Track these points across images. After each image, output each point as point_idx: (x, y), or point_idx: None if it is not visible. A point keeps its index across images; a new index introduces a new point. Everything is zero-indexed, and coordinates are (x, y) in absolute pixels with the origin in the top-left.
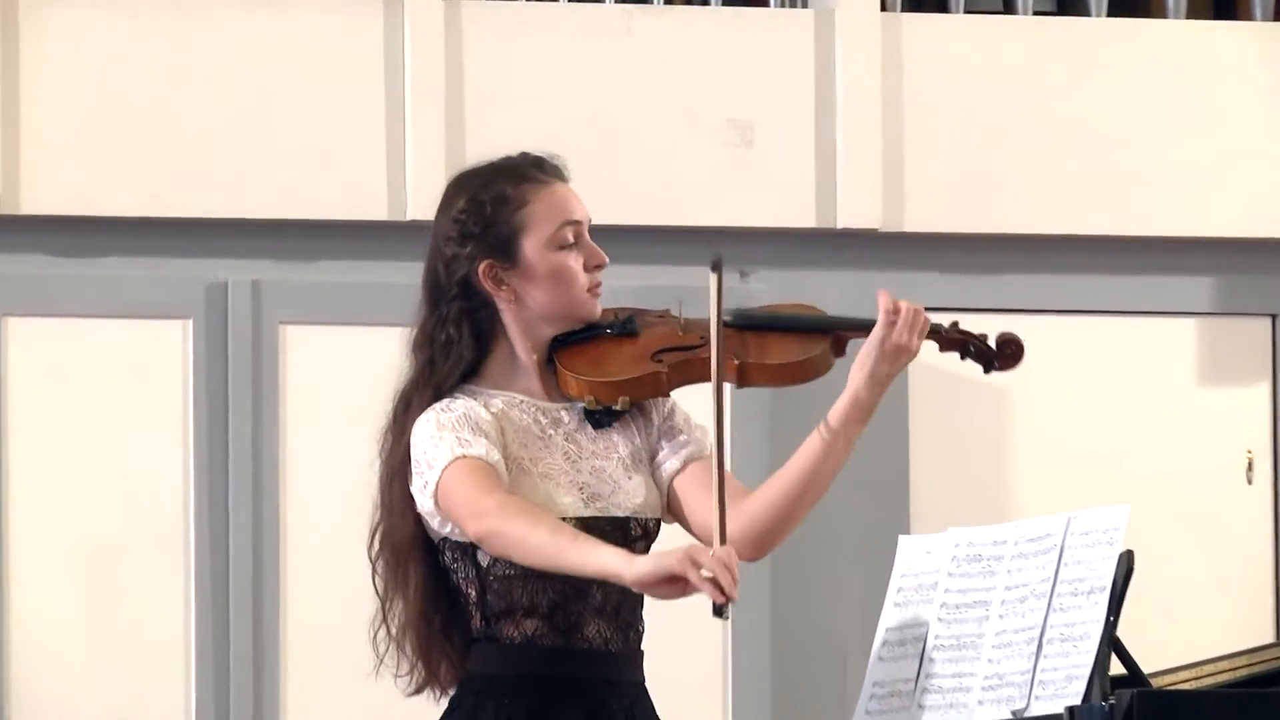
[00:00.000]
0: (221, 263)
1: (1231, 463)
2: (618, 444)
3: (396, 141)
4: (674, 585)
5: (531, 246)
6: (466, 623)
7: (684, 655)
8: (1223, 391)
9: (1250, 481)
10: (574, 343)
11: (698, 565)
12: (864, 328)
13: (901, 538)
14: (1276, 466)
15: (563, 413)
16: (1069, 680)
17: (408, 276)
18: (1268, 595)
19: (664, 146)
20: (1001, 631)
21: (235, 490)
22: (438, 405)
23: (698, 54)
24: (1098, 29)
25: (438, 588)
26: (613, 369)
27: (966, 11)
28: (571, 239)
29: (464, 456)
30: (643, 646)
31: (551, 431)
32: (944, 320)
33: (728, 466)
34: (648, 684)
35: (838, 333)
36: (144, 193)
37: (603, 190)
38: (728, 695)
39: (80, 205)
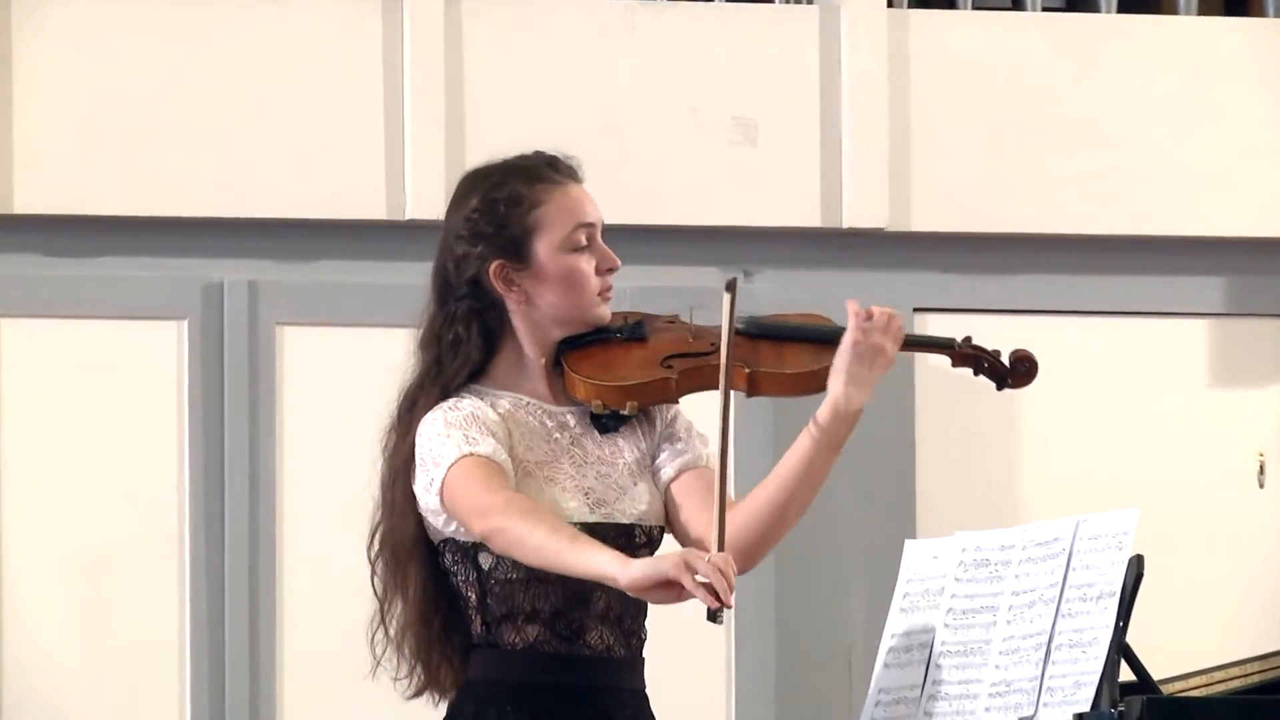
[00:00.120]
0: (217, 263)
1: (1243, 466)
2: (623, 449)
3: (395, 140)
4: (668, 590)
5: (544, 248)
6: (467, 626)
7: (686, 661)
8: (1234, 393)
9: (1262, 485)
10: (582, 346)
11: (692, 570)
12: None
13: (908, 542)
14: None
15: (569, 416)
16: (1078, 687)
17: (407, 277)
18: None
19: (667, 145)
20: (1009, 637)
21: (231, 494)
22: (445, 404)
23: (701, 51)
24: (1108, 25)
25: (438, 590)
26: (621, 373)
27: (974, 8)
28: (584, 241)
29: (471, 454)
30: (644, 654)
31: (558, 435)
32: (947, 322)
33: (731, 476)
34: (650, 690)
35: None
36: (139, 192)
37: (605, 189)
38: (731, 702)
39: (74, 204)
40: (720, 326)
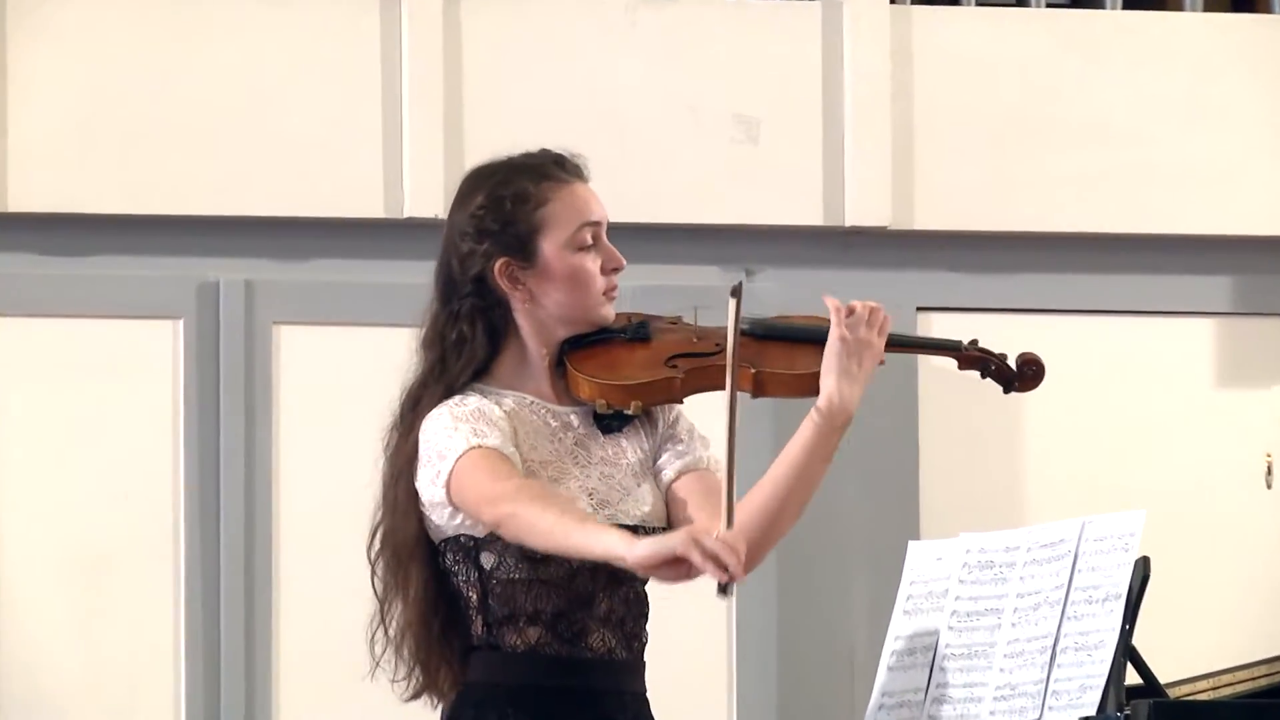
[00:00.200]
0: (213, 261)
1: (1250, 466)
2: (626, 450)
3: (393, 137)
4: (676, 567)
5: (550, 246)
6: (467, 628)
7: (687, 664)
8: (1241, 393)
9: (1269, 485)
10: (585, 346)
11: (700, 546)
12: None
13: (911, 543)
14: None
15: (573, 417)
16: (1083, 690)
17: (405, 276)
18: None
19: (668, 143)
20: (1014, 640)
21: (227, 495)
22: (451, 400)
23: (702, 48)
24: (1113, 22)
25: (439, 591)
26: (626, 372)
27: (978, 4)
28: (590, 240)
29: (479, 446)
30: (645, 657)
31: (562, 435)
32: (951, 322)
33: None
34: (651, 693)
35: None
36: (134, 190)
37: (605, 188)
38: (732, 706)
39: (68, 203)
40: (724, 327)
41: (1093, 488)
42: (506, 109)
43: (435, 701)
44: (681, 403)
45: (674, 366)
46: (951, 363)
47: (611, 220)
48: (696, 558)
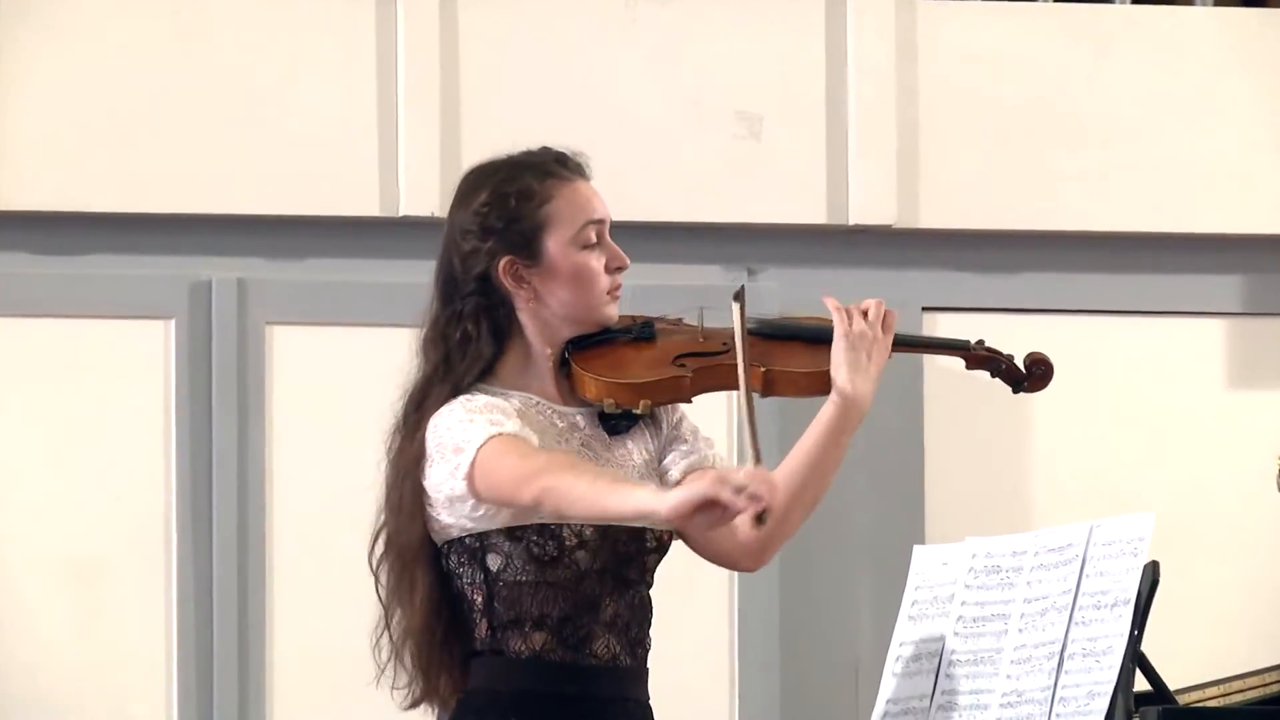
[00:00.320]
0: (205, 260)
1: (1261, 469)
2: (632, 451)
3: (389, 134)
4: (709, 512)
5: (555, 244)
6: (469, 633)
7: (690, 671)
8: (1252, 394)
9: None
10: (590, 346)
11: (729, 482)
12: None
13: (916, 548)
14: None
15: (579, 417)
16: (1091, 697)
17: (401, 275)
18: None
19: (669, 140)
20: (1021, 646)
21: (219, 498)
22: (459, 398)
23: (704, 43)
24: (1123, 16)
25: (442, 595)
26: (634, 371)
27: None
28: (594, 239)
29: (500, 434)
30: (649, 664)
31: (569, 436)
32: (957, 322)
33: None
34: (653, 700)
35: None
36: (125, 188)
37: (605, 186)
38: (734, 713)
39: (59, 201)
40: (729, 328)
41: (1100, 491)
42: (504, 106)
43: (435, 709)
44: (690, 402)
45: (682, 366)
46: (958, 364)
47: (611, 219)
48: (727, 494)
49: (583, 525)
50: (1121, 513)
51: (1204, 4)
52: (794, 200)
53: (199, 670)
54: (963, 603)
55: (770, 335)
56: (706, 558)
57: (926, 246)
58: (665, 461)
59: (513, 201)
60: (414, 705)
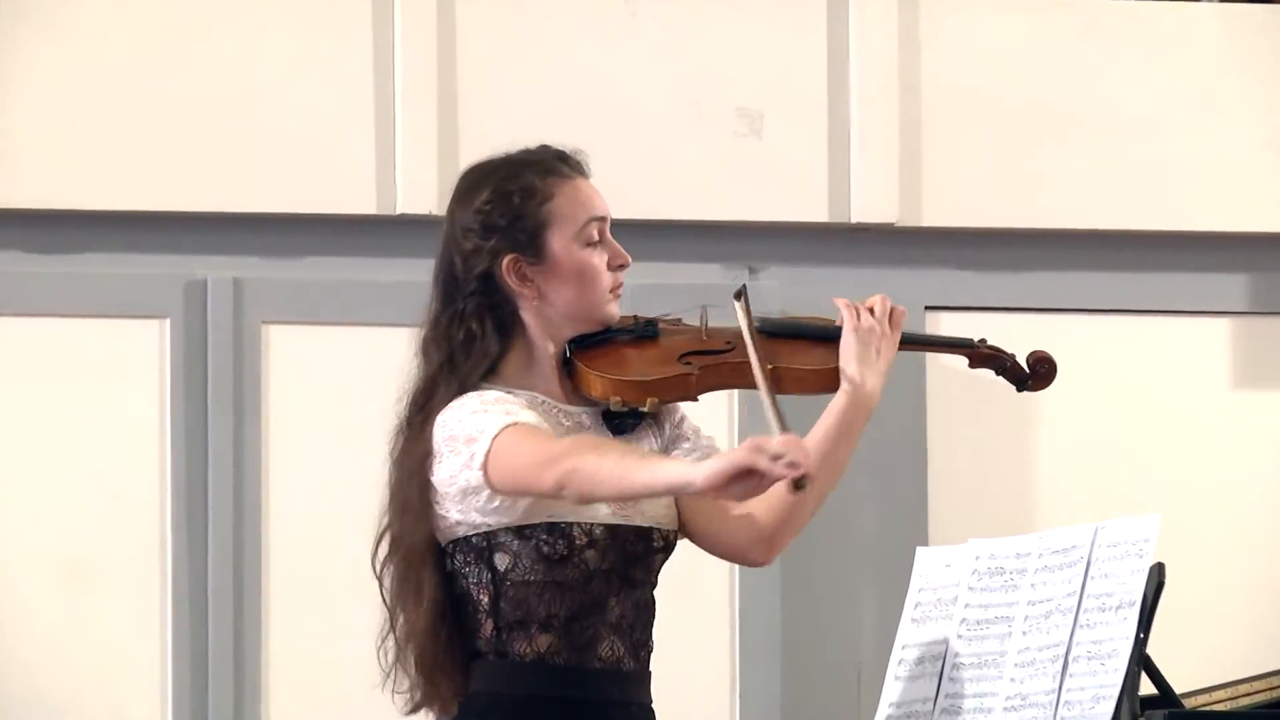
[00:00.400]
0: (201, 259)
1: (1268, 469)
2: None
3: (386, 131)
4: (746, 480)
5: (558, 242)
6: (471, 636)
7: (691, 674)
8: (1259, 394)
9: None
10: (592, 345)
11: (764, 450)
12: None
13: (919, 549)
14: None
15: (584, 416)
16: (1096, 701)
17: (398, 274)
18: None
19: (669, 137)
20: (1025, 649)
21: (215, 499)
22: (469, 393)
23: (705, 39)
24: (1128, 11)
25: (448, 597)
26: (640, 369)
27: None
28: (597, 236)
29: (515, 423)
30: (651, 667)
31: (574, 434)
32: (960, 321)
33: None
34: (654, 703)
35: None
36: (119, 186)
37: (604, 183)
38: (735, 715)
39: (52, 199)
40: (732, 327)
41: (1106, 492)
42: (503, 103)
43: (435, 713)
44: (696, 400)
45: (688, 364)
46: (961, 364)
47: (611, 217)
48: (764, 462)
49: (593, 524)
50: (1126, 514)
51: (1209, 0)
52: (795, 198)
53: (194, 672)
54: (966, 605)
55: (775, 333)
56: (716, 553)
57: (929, 245)
58: None
59: (516, 199)
60: (415, 710)
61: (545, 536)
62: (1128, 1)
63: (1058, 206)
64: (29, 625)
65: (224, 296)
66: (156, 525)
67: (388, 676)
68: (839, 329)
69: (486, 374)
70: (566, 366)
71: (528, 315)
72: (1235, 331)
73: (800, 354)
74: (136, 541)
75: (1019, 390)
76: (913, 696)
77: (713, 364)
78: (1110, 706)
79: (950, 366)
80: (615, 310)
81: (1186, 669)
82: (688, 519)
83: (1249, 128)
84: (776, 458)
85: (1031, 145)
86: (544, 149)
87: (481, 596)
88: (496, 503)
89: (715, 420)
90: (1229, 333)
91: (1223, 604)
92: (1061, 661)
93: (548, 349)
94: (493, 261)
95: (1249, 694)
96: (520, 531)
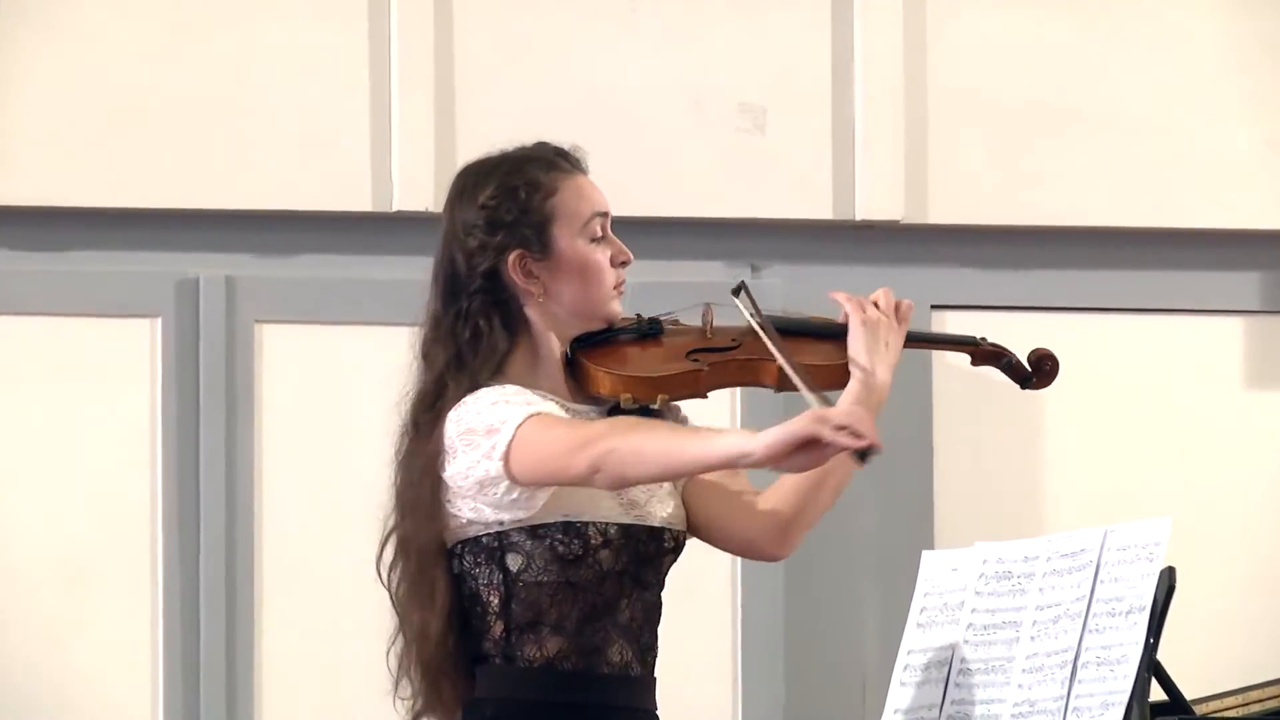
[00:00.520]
0: (192, 257)
1: None
2: None
3: (382, 127)
4: (808, 450)
5: (563, 237)
6: (478, 639)
7: (692, 679)
8: (1271, 394)
9: None
10: (596, 344)
11: (828, 420)
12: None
13: (925, 553)
14: None
15: (591, 414)
16: (1105, 707)
17: (393, 272)
18: None
19: (669, 133)
20: (1033, 654)
21: (207, 501)
22: (483, 388)
23: (706, 33)
24: (1136, 6)
25: (458, 599)
26: (648, 366)
27: None
28: (600, 232)
29: (539, 413)
30: (655, 673)
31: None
32: (966, 320)
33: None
34: (658, 709)
35: None
36: (109, 182)
37: (604, 180)
38: None
39: (41, 196)
40: (735, 326)
41: (1115, 494)
42: (500, 98)
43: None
44: (705, 397)
45: (696, 360)
46: (968, 364)
47: (611, 214)
48: (828, 432)
49: (607, 524)
50: (1136, 517)
51: None
52: (799, 195)
53: (185, 675)
54: (973, 610)
55: (781, 331)
56: (728, 547)
57: (935, 243)
58: None
59: (522, 194)
60: (417, 718)
61: (560, 536)
62: None
63: (1066, 204)
64: (19, 627)
65: (216, 295)
66: (148, 527)
67: (398, 683)
68: (842, 326)
69: (493, 373)
70: (569, 366)
71: (532, 312)
72: (1247, 330)
73: (806, 350)
74: (128, 543)
75: (1023, 388)
76: (918, 703)
77: (720, 361)
78: (1120, 713)
79: (956, 366)
80: (618, 308)
81: (1197, 675)
82: (698, 514)
83: (1258, 124)
84: (841, 428)
85: (1039, 142)
86: (543, 146)
87: (491, 598)
88: (515, 495)
89: (716, 421)
90: (1241, 331)
91: (1235, 609)
92: (1070, 667)
93: (553, 347)
94: (498, 258)
95: (1260, 700)
96: (534, 531)
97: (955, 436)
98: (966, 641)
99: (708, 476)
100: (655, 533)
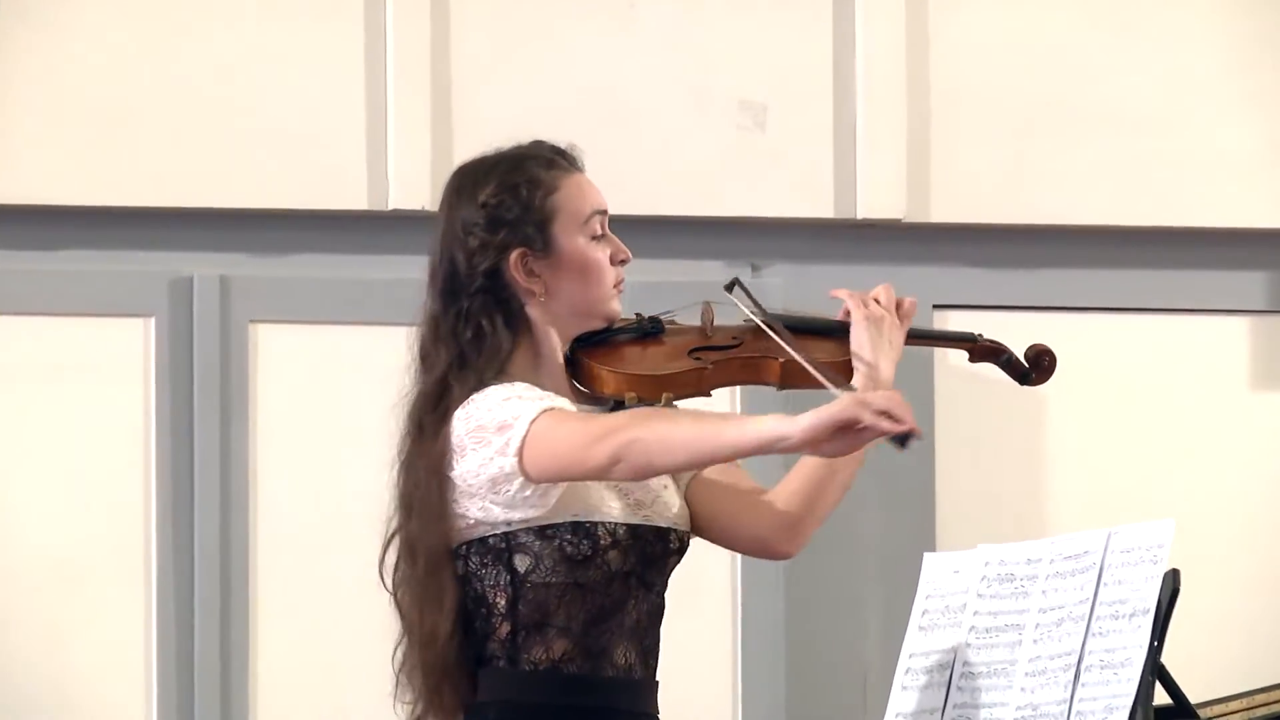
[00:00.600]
0: (186, 256)
1: None
2: None
3: (378, 125)
4: (845, 434)
5: (565, 235)
6: (482, 641)
7: (692, 683)
8: (1277, 395)
9: None
10: (597, 344)
11: (868, 404)
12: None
13: (927, 555)
14: None
15: (596, 414)
16: (1109, 711)
17: (389, 271)
18: None
19: (669, 130)
20: (1036, 658)
21: (201, 503)
22: (490, 386)
23: (706, 29)
24: (1140, 3)
25: (463, 601)
26: (652, 364)
27: None
28: (599, 230)
29: (553, 408)
30: (658, 676)
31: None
32: (969, 319)
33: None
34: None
35: None
36: (102, 181)
37: (603, 178)
38: None
39: (32, 194)
40: (734, 325)
41: (1118, 496)
42: (497, 96)
43: None
44: (709, 395)
45: (699, 359)
46: (971, 366)
47: (609, 213)
48: (869, 416)
49: (616, 524)
50: (1141, 518)
51: None
52: (800, 193)
53: (180, 679)
54: (975, 612)
55: (784, 327)
56: (736, 546)
57: (938, 242)
58: None
59: (523, 191)
60: None
61: (569, 536)
62: None
63: (1069, 202)
64: (10, 631)
65: (210, 294)
66: (141, 529)
67: (398, 686)
68: (840, 323)
69: (497, 373)
70: (569, 366)
71: (533, 312)
72: (1254, 330)
73: (808, 347)
74: (121, 545)
75: (1021, 384)
76: (920, 706)
77: (723, 359)
78: (1123, 717)
79: (957, 366)
80: (618, 306)
81: (1202, 678)
82: (704, 512)
83: (1264, 121)
84: (881, 412)
85: (1042, 139)
86: (539, 144)
87: (498, 599)
88: (528, 492)
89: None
90: (1246, 331)
91: (1239, 611)
92: (1073, 671)
93: (554, 346)
94: (500, 257)
95: (1266, 704)
96: (542, 532)
97: (957, 437)
98: (968, 644)
99: (714, 475)
100: (662, 533)
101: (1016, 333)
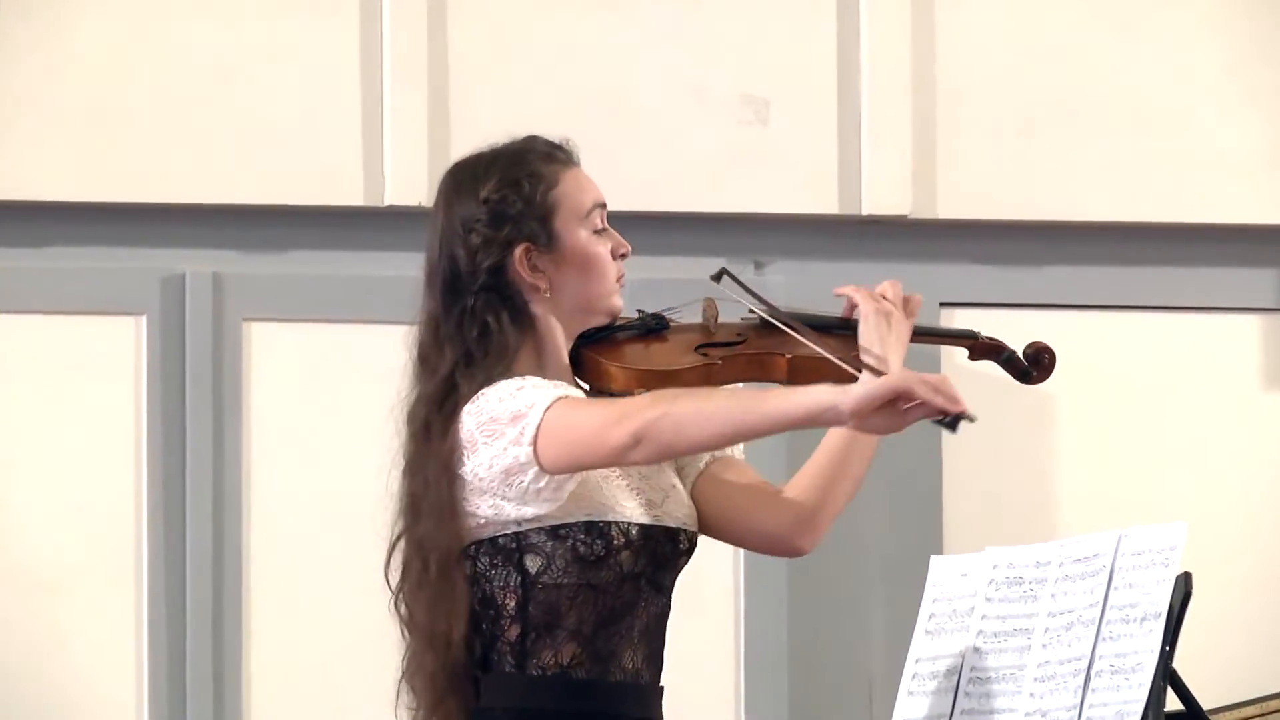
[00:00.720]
0: (179, 253)
1: None
2: None
3: (374, 119)
4: (894, 408)
5: (567, 229)
6: (490, 644)
7: (694, 687)
8: None
9: None
10: (600, 341)
11: (922, 379)
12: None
13: (933, 558)
14: None
15: None
16: (1120, 717)
17: (385, 268)
18: None
19: (670, 125)
20: (1045, 663)
21: (193, 503)
22: (499, 381)
23: (708, 22)
24: None
25: (472, 604)
26: (660, 360)
27: None
28: (600, 224)
29: (566, 396)
30: (662, 681)
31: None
32: (975, 317)
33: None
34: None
35: None
36: (94, 177)
37: (603, 174)
38: None
39: (21, 189)
40: (735, 322)
41: (1128, 497)
42: (495, 90)
43: None
44: None
45: (705, 355)
46: (977, 366)
47: (610, 209)
48: (923, 390)
49: (629, 524)
50: (1151, 520)
51: None
52: (803, 189)
53: (171, 682)
54: (983, 616)
55: (784, 324)
56: (749, 543)
57: (943, 238)
58: (682, 459)
59: (526, 186)
60: None
61: (583, 536)
62: None
63: (1077, 198)
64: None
65: (203, 292)
66: (133, 529)
67: (399, 691)
68: (843, 320)
69: (505, 371)
70: (574, 364)
71: (537, 308)
72: (1265, 328)
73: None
74: (112, 545)
75: (1022, 382)
76: (927, 712)
77: (730, 355)
78: None
79: (964, 366)
80: (620, 301)
81: (1215, 683)
82: (714, 510)
83: (1271, 117)
84: (934, 389)
85: (1050, 135)
86: (535, 139)
87: (508, 601)
88: (542, 484)
89: None
90: (1257, 329)
91: (1252, 615)
92: (1083, 676)
93: (559, 342)
94: (504, 253)
95: (1279, 709)
96: (555, 531)
97: (965, 438)
98: (976, 649)
99: (722, 471)
100: (672, 534)
101: (1023, 331)
